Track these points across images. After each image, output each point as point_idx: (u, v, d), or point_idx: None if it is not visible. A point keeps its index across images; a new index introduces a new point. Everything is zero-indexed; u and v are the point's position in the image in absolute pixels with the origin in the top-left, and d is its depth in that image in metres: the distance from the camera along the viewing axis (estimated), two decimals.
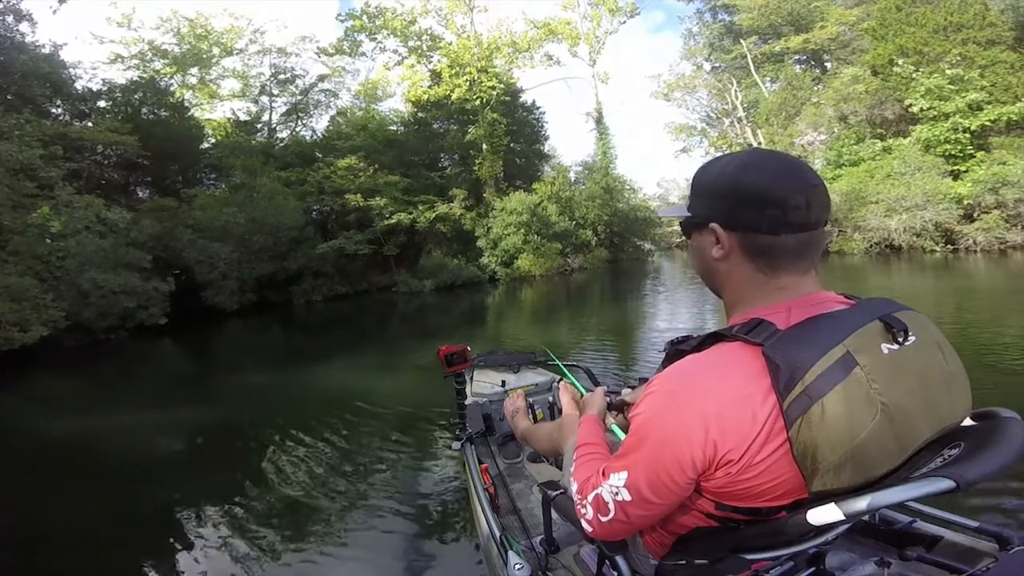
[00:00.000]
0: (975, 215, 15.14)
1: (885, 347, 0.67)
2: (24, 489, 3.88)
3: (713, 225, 0.76)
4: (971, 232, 14.87)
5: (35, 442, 5.16)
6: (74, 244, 10.72)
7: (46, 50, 15.10)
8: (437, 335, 10.16)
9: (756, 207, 0.72)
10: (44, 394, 7.79)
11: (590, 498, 0.80)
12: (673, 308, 10.63)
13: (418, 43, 22.54)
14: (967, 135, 16.19)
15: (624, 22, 25.24)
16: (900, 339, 0.68)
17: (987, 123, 15.92)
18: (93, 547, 2.95)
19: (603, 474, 0.79)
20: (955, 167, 16.14)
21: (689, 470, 0.69)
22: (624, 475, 0.75)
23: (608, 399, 1.13)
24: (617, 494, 0.76)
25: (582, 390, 1.50)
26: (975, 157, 16.00)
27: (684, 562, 0.80)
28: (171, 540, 2.88)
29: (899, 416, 0.65)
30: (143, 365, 9.81)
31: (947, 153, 16.32)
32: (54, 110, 15.75)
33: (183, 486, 3.69)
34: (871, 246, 16.51)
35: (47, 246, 10.44)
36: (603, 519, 0.78)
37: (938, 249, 15.32)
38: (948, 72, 16.35)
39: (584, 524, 0.81)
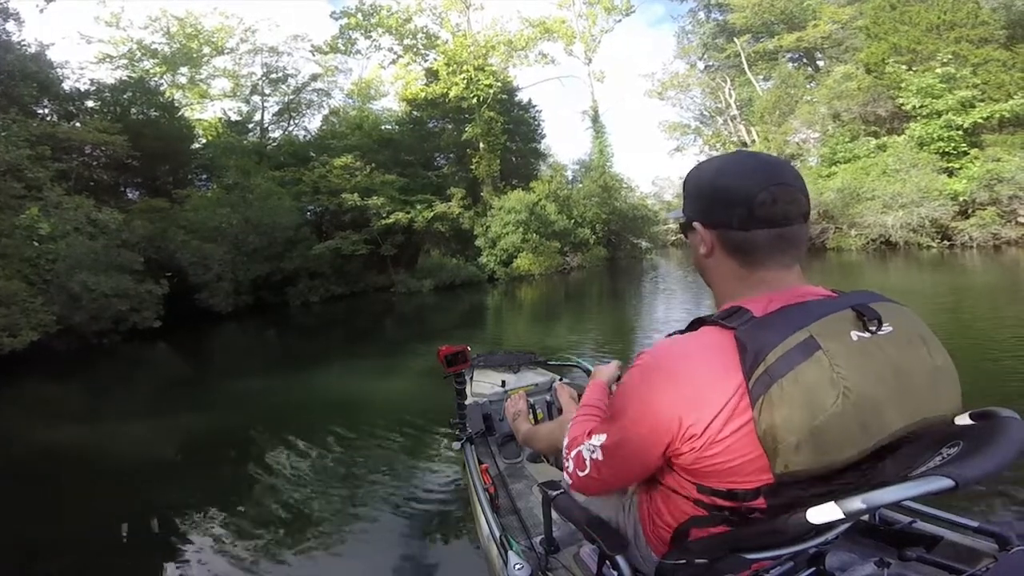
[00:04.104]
0: (970, 211, 15.26)
1: (855, 334, 0.69)
2: (17, 497, 3.76)
3: (696, 224, 0.83)
4: (967, 228, 15.00)
5: (27, 449, 5.01)
6: (64, 246, 10.44)
7: (32, 50, 14.76)
8: (437, 336, 10.06)
9: (726, 206, 0.77)
10: (36, 401, 7.60)
11: (573, 454, 0.89)
12: (671, 306, 10.64)
13: (413, 41, 22.40)
14: (960, 132, 16.32)
15: (620, 20, 25.23)
16: (872, 328, 0.69)
17: (980, 120, 16.05)
18: (89, 554, 2.90)
19: (588, 434, 0.87)
20: (950, 164, 16.27)
21: (656, 438, 0.75)
22: (603, 437, 0.83)
23: (618, 374, 1.22)
24: (594, 452, 0.84)
25: (590, 367, 1.47)
26: (969, 154, 16.14)
27: (684, 561, 0.81)
28: (168, 546, 2.83)
29: (864, 402, 0.66)
30: (137, 369, 9.60)
31: (941, 150, 16.45)
32: (41, 110, 15.37)
33: (180, 492, 3.60)
34: (868, 242, 16.59)
35: (36, 248, 10.16)
36: (580, 474, 0.87)
37: (934, 245, 15.44)
38: (939, 71, 16.48)
39: (565, 476, 0.91)
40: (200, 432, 5.03)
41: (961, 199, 15.28)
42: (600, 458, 0.83)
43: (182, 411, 5.90)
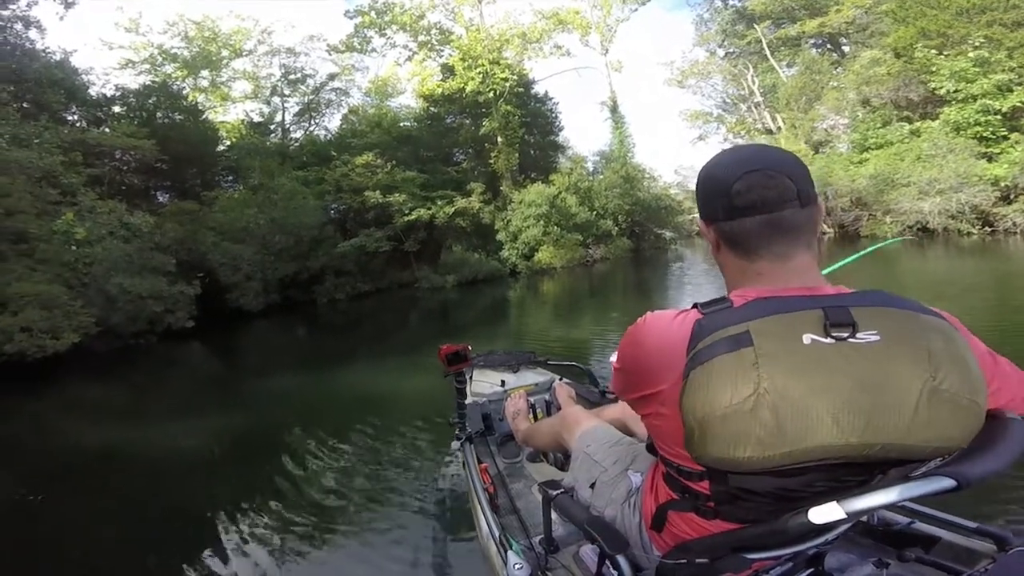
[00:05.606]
0: (1012, 197, 14.71)
1: (809, 338, 0.65)
2: (58, 494, 3.84)
3: (699, 221, 0.86)
4: (1010, 214, 14.47)
5: (71, 447, 5.13)
6: (100, 250, 10.63)
7: (57, 57, 15.02)
8: (460, 331, 10.07)
9: (710, 199, 0.81)
10: (78, 400, 7.73)
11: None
12: (696, 298, 10.28)
13: (427, 37, 22.34)
14: (998, 117, 15.74)
15: (636, 9, 24.82)
16: (840, 334, 0.65)
17: (1019, 104, 15.46)
18: (126, 551, 2.95)
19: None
20: (989, 149, 15.70)
21: (629, 386, 0.85)
22: (613, 358, 0.91)
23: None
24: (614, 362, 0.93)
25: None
26: (1009, 139, 15.56)
27: (685, 560, 0.82)
28: (194, 542, 2.91)
29: (786, 407, 0.63)
30: (173, 369, 9.77)
31: (979, 135, 15.89)
32: (70, 117, 15.66)
33: (206, 489, 3.70)
34: (904, 229, 16.11)
35: (73, 253, 10.36)
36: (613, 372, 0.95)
37: (975, 232, 14.93)
38: (972, 54, 15.91)
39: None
40: (230, 431, 5.12)
41: (1003, 184, 14.73)
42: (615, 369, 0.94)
43: (216, 409, 6.01)
